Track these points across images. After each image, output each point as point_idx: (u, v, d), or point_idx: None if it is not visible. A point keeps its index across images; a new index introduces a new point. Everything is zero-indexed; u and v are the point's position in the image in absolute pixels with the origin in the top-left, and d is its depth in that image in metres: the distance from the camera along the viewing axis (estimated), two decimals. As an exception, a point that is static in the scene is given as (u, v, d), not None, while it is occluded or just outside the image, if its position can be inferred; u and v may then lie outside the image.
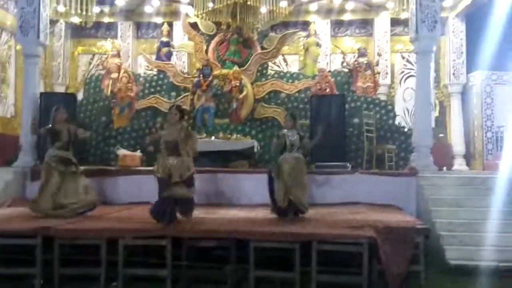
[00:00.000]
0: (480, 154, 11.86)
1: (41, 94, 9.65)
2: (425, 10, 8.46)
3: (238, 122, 10.40)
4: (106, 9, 12.80)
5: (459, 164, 11.99)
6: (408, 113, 12.59)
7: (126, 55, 13.11)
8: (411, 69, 12.62)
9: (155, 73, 11.80)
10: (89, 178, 7.37)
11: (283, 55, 12.68)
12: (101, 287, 5.55)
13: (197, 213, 6.90)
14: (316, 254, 5.40)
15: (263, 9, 10.78)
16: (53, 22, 12.03)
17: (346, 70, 11.61)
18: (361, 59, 11.39)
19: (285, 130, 6.84)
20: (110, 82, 11.13)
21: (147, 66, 12.64)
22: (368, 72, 11.17)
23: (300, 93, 10.82)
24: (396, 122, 10.68)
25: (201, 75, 10.56)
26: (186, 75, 11.33)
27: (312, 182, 7.87)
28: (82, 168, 7.24)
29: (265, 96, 10.86)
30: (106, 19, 13.26)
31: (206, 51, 11.28)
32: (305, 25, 12.71)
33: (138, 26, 13.69)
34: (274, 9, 10.61)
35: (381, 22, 12.83)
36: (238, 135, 9.95)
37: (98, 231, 5.72)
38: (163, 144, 6.10)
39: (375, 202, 7.91)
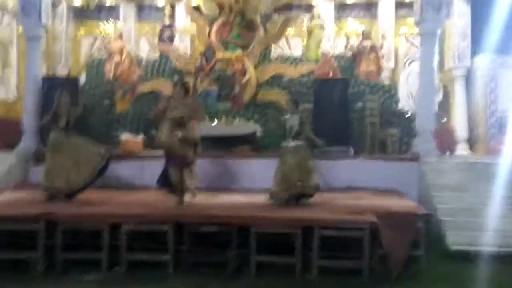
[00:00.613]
0: (484, 139, 11.79)
1: (43, 78, 9.63)
2: (431, -9, 8.35)
3: (241, 106, 10.33)
4: (108, -9, 12.69)
5: (462, 148, 11.90)
6: (412, 97, 12.46)
7: (128, 38, 12.98)
8: (415, 53, 12.47)
9: (157, 56, 11.72)
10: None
11: (286, 38, 12.53)
12: (103, 272, 5.59)
13: (199, 198, 6.96)
14: (317, 239, 5.42)
15: (266, -9, 10.66)
16: (55, 4, 11.96)
17: (349, 53, 11.49)
18: (365, 43, 11.27)
19: (288, 115, 6.81)
20: (113, 66, 11.06)
21: (150, 49, 12.53)
22: (372, 55, 11.05)
23: (303, 77, 10.71)
24: (400, 106, 10.62)
25: (203, 59, 10.48)
26: (188, 59, 11.23)
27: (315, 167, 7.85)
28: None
29: (268, 80, 10.75)
30: (108, 2, 13.12)
31: (209, 34, 11.16)
32: (309, 7, 12.53)
33: (140, 8, 13.50)
34: (278, -9, 10.49)
35: (386, 5, 12.63)
36: (240, 119, 9.92)
37: (100, 216, 5.76)
38: (168, 119, 6.12)
39: (377, 187, 7.93)
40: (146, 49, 13.09)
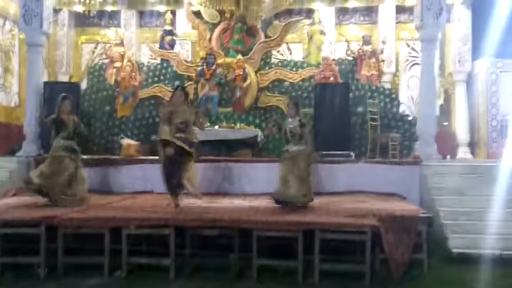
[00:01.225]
0: (485, 143, 11.79)
1: (45, 83, 9.67)
2: (431, -4, 8.38)
3: (242, 111, 10.37)
4: (109, -3, 12.74)
5: (463, 152, 11.91)
6: (413, 101, 12.50)
7: (130, 44, 13.05)
8: (416, 57, 12.52)
9: (158, 62, 11.76)
10: (92, 167, 7.45)
11: (287, 43, 12.57)
12: (105, 276, 5.58)
13: (201, 201, 6.96)
14: (319, 243, 5.40)
15: (267, -2, 10.72)
16: (56, 11, 12.03)
17: (350, 58, 11.52)
18: (365, 47, 11.31)
19: (288, 119, 6.80)
20: (114, 71, 11.12)
21: (151, 55, 12.58)
22: (373, 60, 11.08)
23: (304, 81, 10.76)
24: (401, 111, 10.63)
25: (204, 64, 10.51)
26: (189, 64, 11.27)
27: (316, 171, 7.84)
28: (84, 157, 7.31)
29: (269, 85, 10.80)
30: (109, 8, 13.17)
31: (210, 40, 11.22)
32: (309, 12, 12.58)
33: (141, 14, 13.61)
34: (278, -3, 10.54)
35: (386, 10, 12.69)
36: (242, 124, 9.95)
37: (101, 220, 5.75)
38: (176, 124, 6.18)
39: (378, 191, 7.90)
40: (147, 55, 13.18)
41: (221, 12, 11.44)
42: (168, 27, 12.16)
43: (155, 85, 10.98)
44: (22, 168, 8.59)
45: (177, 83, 10.93)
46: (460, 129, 12.19)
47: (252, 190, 8.20)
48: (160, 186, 6.69)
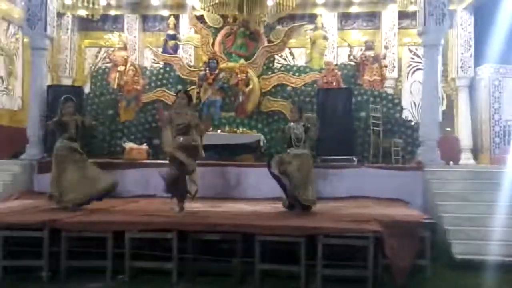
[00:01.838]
0: (488, 148, 11.78)
1: (48, 87, 9.71)
2: (433, 3, 8.41)
3: (244, 116, 10.37)
4: (113, 1, 12.80)
5: (466, 158, 11.92)
6: (415, 107, 12.52)
7: (133, 48, 13.13)
8: (418, 62, 12.53)
9: (161, 66, 11.79)
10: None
11: (289, 48, 12.62)
12: (107, 279, 5.59)
13: (203, 206, 6.97)
14: (321, 248, 5.40)
15: (270, 2, 10.73)
16: (60, 15, 12.08)
17: (353, 63, 11.54)
18: (368, 52, 11.33)
19: (291, 124, 6.82)
20: (117, 75, 11.12)
21: (154, 59, 12.62)
22: (375, 65, 11.08)
23: (307, 86, 10.76)
24: (403, 116, 10.63)
25: (207, 68, 10.53)
26: (192, 68, 11.29)
27: (318, 176, 7.83)
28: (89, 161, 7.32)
29: (272, 90, 10.80)
30: (112, 12, 13.26)
31: (213, 44, 11.24)
32: (312, 18, 12.63)
33: (145, 18, 13.68)
34: (281, 1, 10.55)
35: (389, 15, 12.74)
36: (244, 129, 9.96)
37: (104, 224, 5.76)
38: (175, 126, 6.20)
39: (381, 196, 7.91)
40: (150, 59, 13.23)
41: (224, 17, 11.47)
42: (171, 32, 12.21)
43: (158, 89, 10.98)
44: (26, 172, 8.63)
45: (179, 87, 10.96)
46: (463, 134, 12.20)
47: (255, 194, 8.22)
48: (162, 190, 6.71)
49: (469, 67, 12.35)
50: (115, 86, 11.06)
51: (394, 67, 12.67)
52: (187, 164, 6.19)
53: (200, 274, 5.75)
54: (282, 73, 10.95)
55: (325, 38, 12.11)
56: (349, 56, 11.85)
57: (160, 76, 11.36)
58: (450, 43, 12.65)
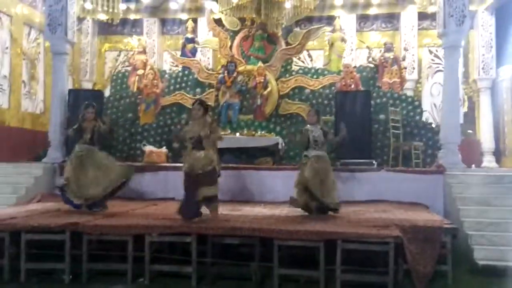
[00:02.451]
0: (510, 151, 11.57)
1: (69, 91, 9.84)
2: (453, 4, 8.29)
3: (263, 118, 10.38)
4: (132, 6, 12.95)
5: (488, 161, 11.72)
6: (436, 109, 12.37)
7: (152, 52, 13.26)
8: (439, 63, 12.39)
9: (180, 69, 11.87)
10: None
11: (307, 50, 12.61)
12: (128, 282, 5.63)
13: (222, 209, 6.96)
14: (340, 253, 5.36)
15: (288, 4, 10.71)
16: (80, 19, 12.24)
17: (371, 65, 11.46)
18: (387, 54, 11.24)
19: (309, 126, 6.79)
20: (136, 79, 11.26)
21: (172, 62, 12.71)
22: (395, 67, 11.00)
23: (325, 89, 10.74)
24: (424, 118, 10.51)
25: (225, 72, 10.58)
26: (210, 71, 11.35)
27: (338, 179, 7.74)
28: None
29: (289, 92, 10.80)
30: (132, 16, 13.42)
31: (231, 47, 11.29)
32: (330, 19, 12.60)
33: (164, 22, 13.80)
34: (299, 4, 10.52)
35: (408, 16, 12.63)
36: (263, 132, 9.96)
37: (124, 227, 5.80)
38: (187, 139, 6.15)
39: (401, 200, 7.83)
40: (169, 62, 13.32)
41: (242, 20, 11.51)
42: (189, 35, 12.28)
43: (176, 92, 11.07)
44: (47, 175, 8.76)
45: (198, 90, 11.06)
46: (485, 137, 12.00)
47: (273, 198, 8.21)
48: (181, 193, 6.71)
49: (490, 68, 12.15)
50: (135, 89, 11.20)
51: (414, 68, 12.55)
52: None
53: (219, 278, 5.76)
54: (300, 76, 10.94)
55: (343, 40, 12.04)
56: (368, 58, 11.78)
57: (179, 79, 11.45)
58: (471, 44, 12.47)
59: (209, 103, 9.61)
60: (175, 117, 10.62)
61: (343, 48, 12.06)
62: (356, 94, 9.59)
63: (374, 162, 8.85)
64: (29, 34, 11.61)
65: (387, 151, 9.45)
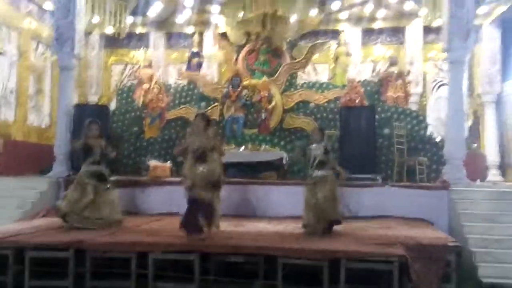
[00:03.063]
0: (516, 165, 11.52)
1: (75, 106, 9.89)
2: (458, 20, 8.29)
3: (267, 133, 10.41)
4: (139, 19, 13.04)
5: (493, 174, 11.65)
6: (441, 122, 12.32)
7: (157, 65, 13.31)
8: (443, 77, 12.36)
9: (185, 83, 11.93)
10: (120, 189, 7.56)
11: (312, 63, 12.61)
12: (131, 300, 5.63)
13: (226, 225, 6.98)
14: (344, 272, 5.34)
15: (293, 19, 10.77)
16: (87, 33, 12.35)
17: (376, 80, 11.47)
18: (391, 68, 11.25)
19: (313, 145, 6.79)
20: (142, 93, 11.31)
21: (178, 76, 12.78)
22: (399, 81, 11.01)
23: (329, 103, 10.76)
24: (428, 132, 10.49)
25: (230, 86, 10.64)
26: (215, 86, 11.41)
27: (342, 194, 7.77)
28: (113, 178, 7.44)
29: (294, 106, 10.83)
30: (138, 30, 13.50)
31: (236, 61, 11.35)
32: (335, 33, 12.65)
33: (169, 36, 13.85)
34: (304, 18, 10.58)
35: (413, 30, 12.62)
36: (267, 146, 9.98)
37: (128, 244, 5.81)
38: (190, 153, 6.16)
39: (405, 216, 7.80)
40: (174, 75, 13.39)
41: (247, 34, 11.57)
42: (195, 49, 12.37)
43: (182, 106, 11.13)
44: (53, 189, 8.78)
45: (203, 104, 11.11)
46: (490, 151, 11.93)
47: (277, 213, 8.21)
48: (185, 208, 6.72)
49: (495, 82, 12.09)
50: (140, 103, 11.25)
51: (418, 82, 12.52)
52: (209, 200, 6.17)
53: (222, 296, 5.75)
54: (305, 90, 10.98)
55: (348, 54, 12.08)
56: (372, 71, 11.80)
57: (184, 93, 11.51)
58: (476, 57, 12.44)
59: (213, 117, 9.73)
60: (180, 131, 10.64)
61: (348, 62, 12.08)
62: (360, 110, 9.61)
63: (378, 177, 8.83)
64: (36, 48, 11.73)
65: (391, 166, 9.43)
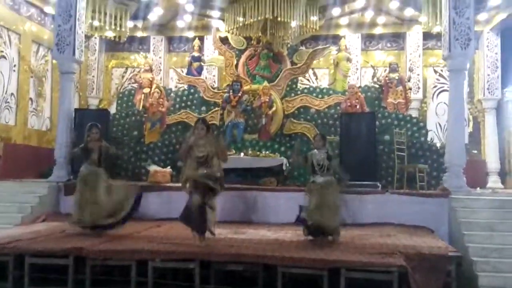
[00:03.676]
0: (516, 172, 11.53)
1: (76, 110, 9.88)
2: (459, 27, 8.30)
3: (267, 138, 10.41)
4: (139, 23, 13.05)
5: (493, 181, 11.67)
6: (441, 128, 12.36)
7: (158, 69, 13.35)
8: (444, 83, 12.40)
9: (185, 87, 11.95)
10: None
11: (313, 68, 12.64)
12: (131, 307, 5.62)
13: (225, 232, 6.98)
14: (344, 281, 5.34)
15: (293, 24, 10.78)
16: (88, 37, 12.36)
17: (376, 85, 11.48)
18: (392, 75, 11.26)
19: (315, 151, 6.79)
20: (142, 97, 11.32)
21: (178, 80, 12.78)
22: (400, 88, 11.02)
23: (330, 108, 10.77)
24: (429, 138, 10.49)
25: (231, 91, 10.64)
26: (216, 90, 11.42)
27: (342, 201, 7.75)
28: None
29: (295, 112, 10.84)
30: (139, 34, 13.53)
31: (236, 66, 11.36)
32: (336, 39, 12.69)
33: (170, 40, 13.90)
34: (305, 24, 10.58)
35: (413, 36, 12.68)
36: (267, 152, 9.97)
37: (128, 252, 5.80)
38: (193, 159, 6.18)
39: (406, 223, 7.79)
40: (174, 79, 13.40)
41: (248, 39, 11.60)
42: (195, 54, 12.37)
43: (182, 110, 11.14)
44: (52, 194, 8.78)
45: (203, 109, 11.11)
46: (490, 157, 11.96)
47: (277, 219, 8.19)
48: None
49: (496, 88, 12.14)
50: (140, 107, 11.25)
51: (419, 88, 12.55)
52: (211, 192, 6.21)
53: (222, 303, 5.74)
54: (305, 95, 10.98)
55: (348, 60, 12.09)
56: (373, 77, 11.81)
57: (184, 98, 11.53)
58: (476, 64, 12.49)
59: (213, 122, 9.73)
60: (180, 136, 10.64)
61: (348, 67, 12.10)
62: (361, 116, 9.61)
63: (378, 184, 8.83)
64: (37, 51, 11.74)
65: (391, 172, 9.42)
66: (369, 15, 12.32)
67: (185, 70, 12.31)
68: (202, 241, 6.15)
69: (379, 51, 13.15)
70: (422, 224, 7.72)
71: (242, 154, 9.81)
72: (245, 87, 10.80)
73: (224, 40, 11.86)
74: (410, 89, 11.49)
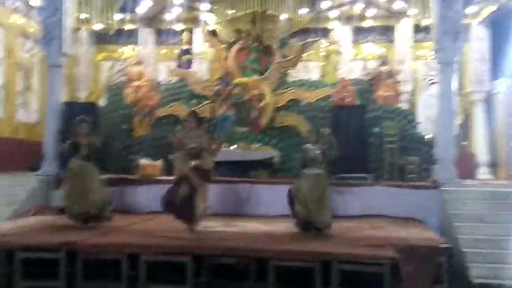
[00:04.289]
0: (505, 163, 11.60)
1: (64, 103, 9.77)
2: (448, 20, 8.33)
3: (258, 131, 10.39)
4: (128, 16, 12.88)
5: (483, 173, 11.74)
6: (431, 121, 12.38)
7: (147, 62, 13.17)
8: (433, 75, 12.41)
9: (175, 80, 11.84)
10: (110, 187, 7.50)
11: (303, 61, 12.57)
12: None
13: (217, 224, 6.99)
14: (336, 274, 5.36)
15: (283, 17, 10.73)
16: (75, 30, 12.20)
17: (367, 78, 11.49)
18: (382, 68, 11.27)
19: (308, 145, 6.81)
20: (132, 90, 11.21)
21: (168, 73, 12.67)
22: (389, 80, 11.03)
23: (321, 101, 10.74)
24: (419, 130, 10.53)
25: (221, 84, 10.58)
26: (206, 83, 11.34)
27: (333, 194, 7.79)
28: (103, 176, 7.39)
29: (285, 105, 10.80)
30: (127, 26, 13.33)
31: (226, 59, 11.28)
32: (325, 31, 12.61)
33: (159, 32, 13.71)
34: (294, 17, 10.54)
35: (403, 29, 12.65)
36: (258, 145, 9.95)
37: (119, 246, 5.78)
38: (186, 150, 6.17)
39: (396, 215, 7.86)
40: (164, 72, 13.27)
41: (238, 32, 11.50)
42: (185, 46, 12.26)
43: (172, 104, 11.04)
44: (42, 187, 8.70)
45: (193, 102, 11.03)
46: (480, 149, 12.02)
47: (268, 212, 8.22)
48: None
49: (485, 81, 12.17)
50: (130, 100, 11.14)
51: (408, 80, 12.56)
52: (198, 186, 6.23)
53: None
54: (296, 88, 10.94)
55: (338, 53, 12.07)
56: (363, 69, 11.81)
57: (174, 91, 11.41)
58: (465, 56, 12.47)
59: (204, 115, 9.68)
60: (170, 129, 10.54)
61: (339, 60, 12.08)
62: (351, 109, 9.64)
63: (369, 176, 8.85)
64: (24, 44, 11.56)
65: (382, 165, 9.45)
66: (358, 7, 12.28)
67: (174, 63, 12.20)
68: (191, 232, 6.17)
69: (369, 44, 13.10)
70: (413, 216, 7.81)
71: (232, 147, 9.78)
72: (236, 80, 10.74)
73: (214, 33, 11.74)
74: (400, 82, 11.49)
